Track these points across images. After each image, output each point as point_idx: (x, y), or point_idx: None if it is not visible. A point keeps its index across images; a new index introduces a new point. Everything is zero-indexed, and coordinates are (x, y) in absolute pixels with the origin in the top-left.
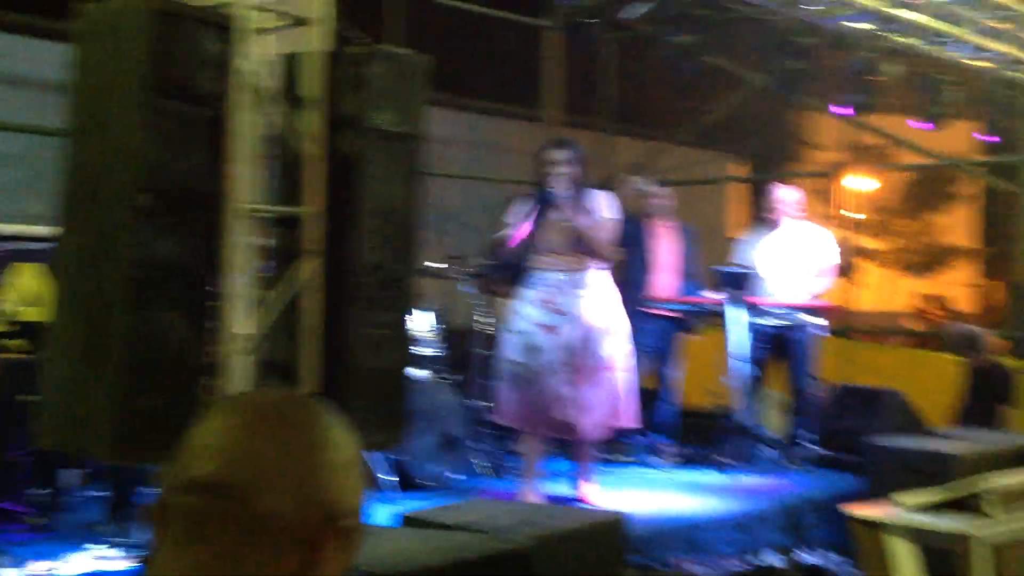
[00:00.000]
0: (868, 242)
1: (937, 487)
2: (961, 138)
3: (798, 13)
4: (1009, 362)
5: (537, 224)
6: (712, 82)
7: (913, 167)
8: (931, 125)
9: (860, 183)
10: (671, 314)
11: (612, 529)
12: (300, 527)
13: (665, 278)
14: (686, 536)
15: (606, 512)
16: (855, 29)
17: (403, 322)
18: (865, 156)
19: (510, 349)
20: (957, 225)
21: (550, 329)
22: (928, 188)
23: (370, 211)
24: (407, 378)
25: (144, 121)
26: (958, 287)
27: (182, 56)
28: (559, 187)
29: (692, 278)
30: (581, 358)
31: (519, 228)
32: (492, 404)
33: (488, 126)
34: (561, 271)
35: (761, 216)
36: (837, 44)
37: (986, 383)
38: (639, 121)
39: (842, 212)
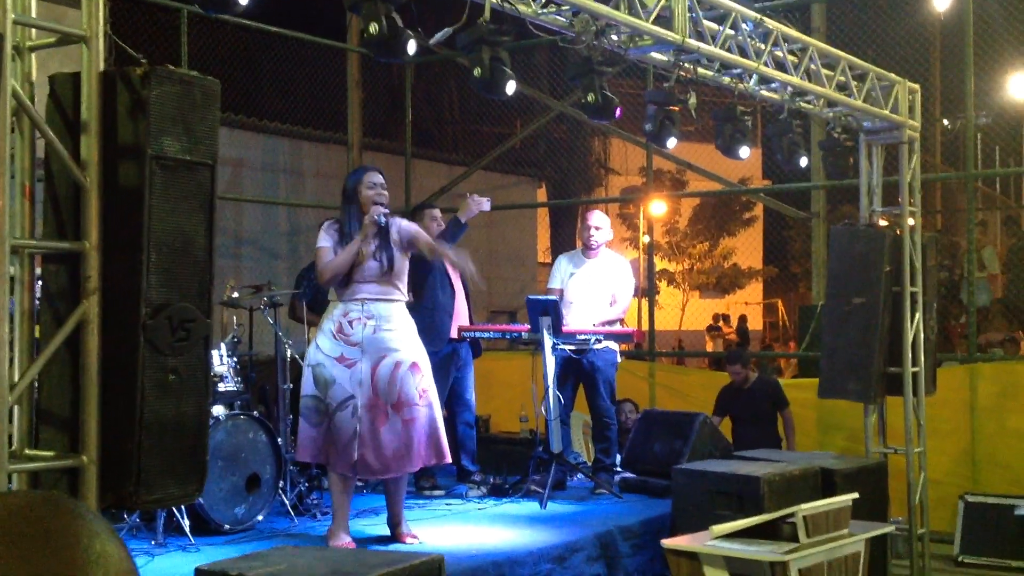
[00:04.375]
0: (663, 264)
1: (746, 516)
2: (749, 162)
3: (599, 42)
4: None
5: (347, 250)
6: (514, 108)
7: (709, 193)
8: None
9: (654, 207)
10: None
11: (430, 572)
12: None
13: (461, 304)
14: (504, 572)
15: (422, 554)
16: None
17: (199, 365)
18: (659, 181)
19: (305, 382)
20: (743, 246)
21: (343, 361)
22: (720, 211)
23: (154, 246)
24: (205, 426)
25: None
26: (744, 306)
27: None
28: (378, 212)
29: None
30: (377, 393)
31: (337, 254)
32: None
33: (285, 148)
34: (359, 301)
35: (575, 241)
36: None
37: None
38: (440, 146)
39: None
